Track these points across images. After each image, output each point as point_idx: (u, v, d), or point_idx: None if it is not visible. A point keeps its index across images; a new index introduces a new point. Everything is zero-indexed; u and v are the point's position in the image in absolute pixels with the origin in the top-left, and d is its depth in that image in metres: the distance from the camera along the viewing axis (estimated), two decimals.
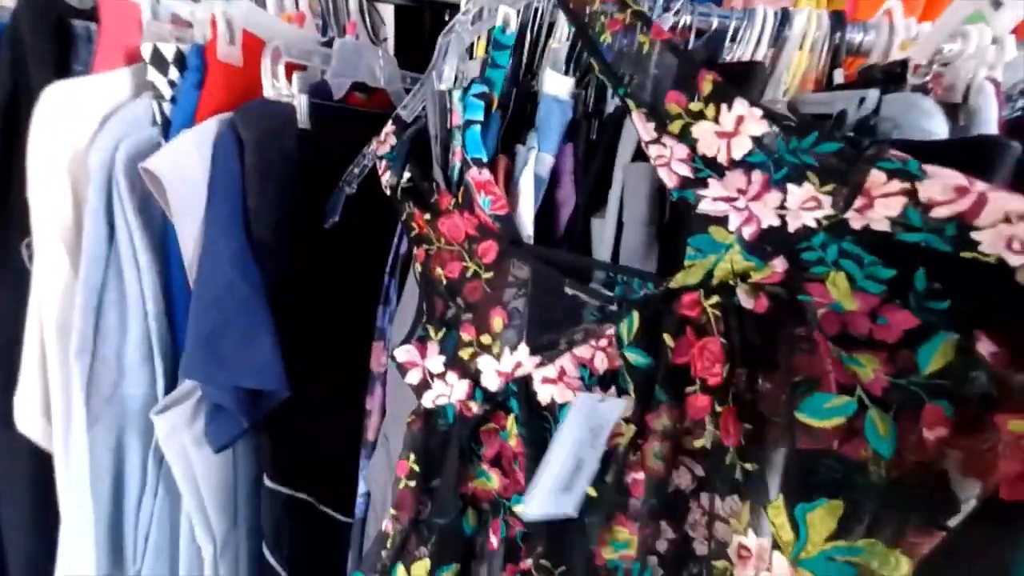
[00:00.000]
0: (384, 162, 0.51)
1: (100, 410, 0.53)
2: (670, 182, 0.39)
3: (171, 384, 0.55)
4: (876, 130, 0.55)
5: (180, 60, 0.55)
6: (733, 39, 0.68)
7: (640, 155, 0.49)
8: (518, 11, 0.51)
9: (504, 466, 0.45)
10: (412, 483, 0.47)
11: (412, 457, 0.47)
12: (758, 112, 0.35)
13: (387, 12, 1.00)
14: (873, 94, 0.54)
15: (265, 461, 0.60)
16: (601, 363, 0.41)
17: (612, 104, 0.53)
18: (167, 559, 0.59)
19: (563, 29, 0.63)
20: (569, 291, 0.43)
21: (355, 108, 0.70)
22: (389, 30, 1.03)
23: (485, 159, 0.43)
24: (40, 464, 0.54)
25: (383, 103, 0.73)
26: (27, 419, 0.53)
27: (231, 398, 0.52)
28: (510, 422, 0.44)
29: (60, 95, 0.49)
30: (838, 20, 0.66)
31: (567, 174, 0.51)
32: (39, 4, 0.52)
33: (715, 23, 0.67)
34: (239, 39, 0.57)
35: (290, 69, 0.57)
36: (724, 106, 0.36)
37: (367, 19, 0.72)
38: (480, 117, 0.43)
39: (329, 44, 0.66)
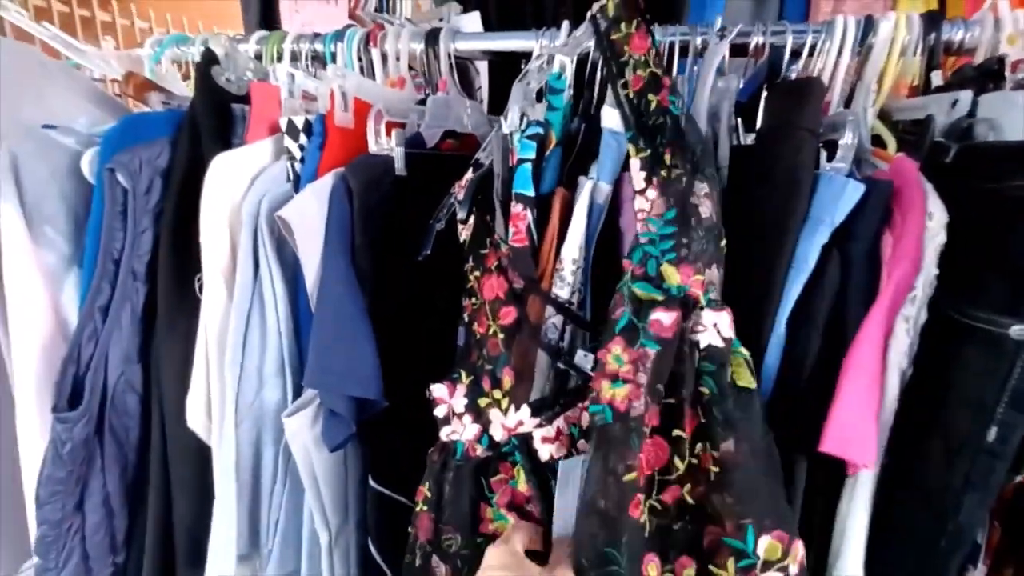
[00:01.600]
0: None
1: (245, 412, 0.65)
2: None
3: (298, 392, 0.66)
4: (972, 133, 0.52)
5: (308, 128, 0.68)
6: (811, 53, 0.66)
7: None
8: (572, 59, 0.56)
9: (518, 509, 0.50)
10: (426, 508, 0.53)
11: (427, 485, 0.53)
12: None
13: (483, 65, 1.12)
14: (966, 95, 0.51)
15: (370, 463, 0.69)
16: (586, 420, 0.46)
17: None
18: (292, 544, 0.69)
19: None
20: (561, 365, 0.50)
21: (446, 153, 0.80)
22: (484, 80, 1.14)
23: (531, 194, 0.48)
24: (204, 455, 0.68)
25: (472, 146, 0.82)
26: (195, 418, 0.67)
27: (342, 404, 0.61)
28: (518, 473, 0.50)
29: (222, 163, 0.63)
30: (931, 21, 0.63)
31: (628, 201, 0.54)
32: (209, 93, 0.68)
33: (789, 39, 0.67)
34: (351, 106, 0.69)
35: (392, 126, 0.68)
36: None
37: (455, 75, 0.82)
38: (531, 156, 0.49)
39: (424, 102, 0.77)
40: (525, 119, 0.55)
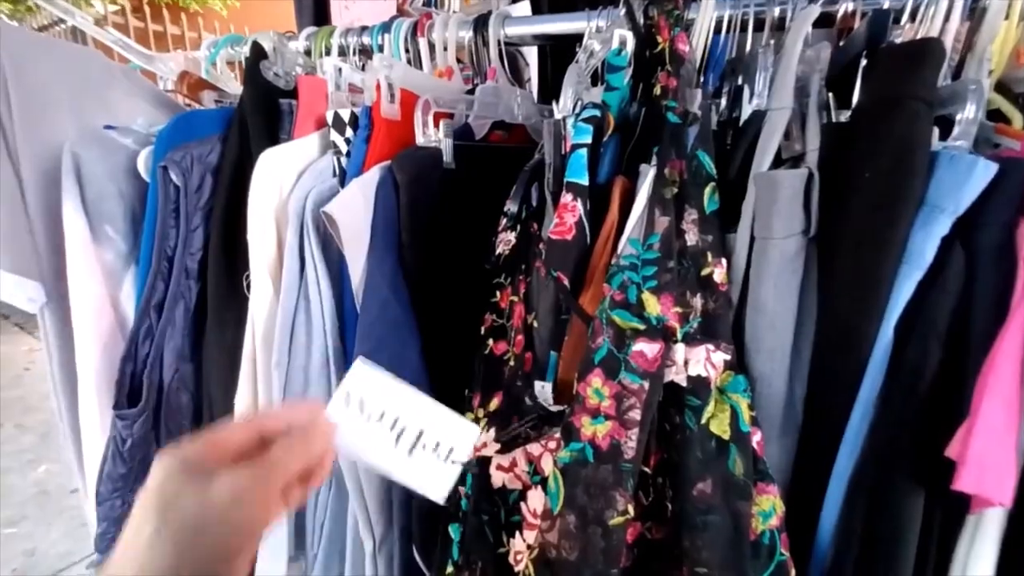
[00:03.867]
0: None
1: None
2: None
3: None
4: None
5: (354, 121, 0.66)
6: (913, 18, 0.58)
7: (779, 162, 0.44)
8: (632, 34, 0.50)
9: None
10: None
11: None
12: None
13: (531, 54, 1.08)
14: None
15: None
16: (547, 465, 0.44)
17: (748, 110, 0.50)
18: (337, 549, 0.67)
19: (696, 41, 0.60)
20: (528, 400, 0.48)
21: (495, 145, 0.76)
22: (533, 70, 1.10)
23: (584, 182, 0.43)
24: None
25: (522, 137, 0.78)
26: (242, 415, 0.66)
27: None
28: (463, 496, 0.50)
29: (269, 158, 0.62)
30: None
31: None
32: (257, 88, 0.67)
33: (886, 2, 0.58)
34: (398, 97, 0.66)
35: (440, 117, 0.65)
36: None
37: (504, 63, 0.78)
38: (587, 140, 0.44)
39: (473, 91, 0.73)
40: (580, 103, 0.50)
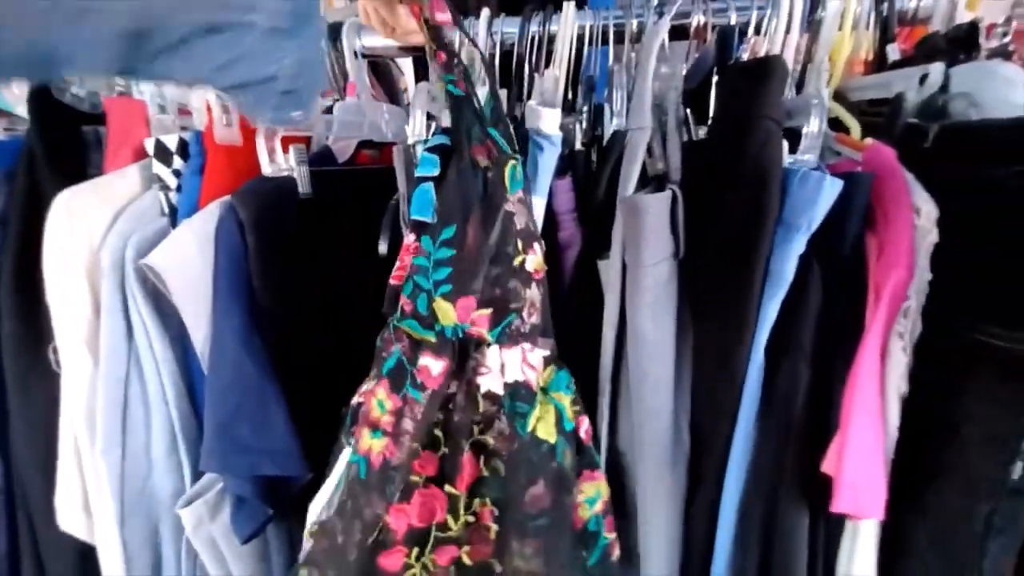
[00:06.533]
0: None
1: (134, 504, 0.53)
2: None
3: (198, 475, 0.54)
4: (947, 111, 0.46)
5: (183, 149, 0.56)
6: (758, 31, 0.60)
7: (644, 180, 0.43)
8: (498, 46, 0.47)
9: None
10: None
11: None
12: None
13: (407, 63, 1.01)
14: (937, 68, 0.45)
15: (300, 547, 0.58)
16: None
17: (611, 128, 0.48)
18: None
19: (561, 54, 0.58)
20: None
21: (360, 167, 0.69)
22: (409, 78, 1.03)
23: (430, 220, 0.39)
24: (88, 558, 0.55)
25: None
26: (69, 517, 0.54)
27: (251, 487, 0.50)
28: None
29: (70, 200, 0.50)
30: None
31: (567, 214, 0.46)
32: (46, 116, 0.54)
33: (733, 17, 0.60)
34: (236, 119, 0.57)
35: (290, 141, 0.57)
36: None
37: (364, 76, 0.71)
38: (434, 173, 0.39)
39: (331, 110, 0.66)
40: (434, 125, 0.46)
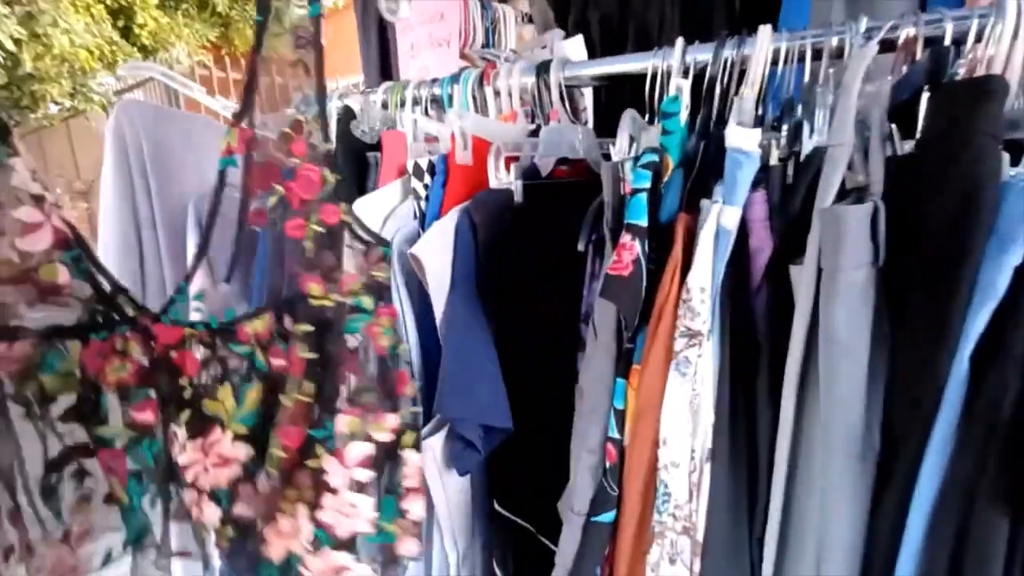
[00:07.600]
0: None
1: None
2: None
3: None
4: None
5: (431, 168, 0.73)
6: (979, 38, 0.58)
7: (842, 196, 0.46)
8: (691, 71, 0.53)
9: None
10: None
11: None
12: None
13: (586, 90, 1.13)
14: None
15: (495, 487, 0.71)
16: None
17: (809, 145, 0.52)
18: (423, 560, 0.73)
19: (754, 75, 0.63)
20: None
21: (560, 180, 0.81)
22: (588, 100, 1.14)
23: (643, 224, 0.46)
24: None
25: (584, 169, 0.82)
26: None
27: (474, 432, 0.64)
28: None
29: (357, 208, 0.70)
30: None
31: (759, 222, 0.51)
32: (347, 144, 0.75)
33: (949, 28, 0.59)
34: (470, 144, 0.73)
35: (509, 160, 0.70)
36: None
37: (566, 104, 0.83)
38: (646, 185, 0.47)
39: (536, 132, 0.79)
40: (636, 145, 0.54)
